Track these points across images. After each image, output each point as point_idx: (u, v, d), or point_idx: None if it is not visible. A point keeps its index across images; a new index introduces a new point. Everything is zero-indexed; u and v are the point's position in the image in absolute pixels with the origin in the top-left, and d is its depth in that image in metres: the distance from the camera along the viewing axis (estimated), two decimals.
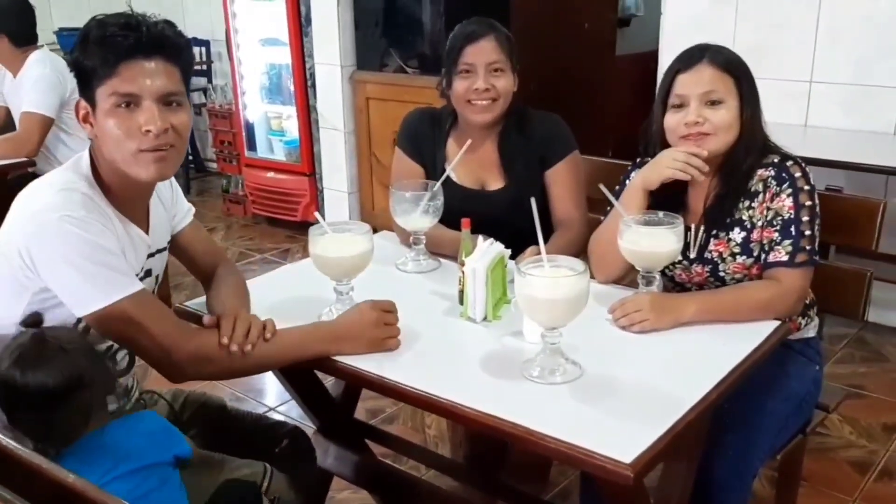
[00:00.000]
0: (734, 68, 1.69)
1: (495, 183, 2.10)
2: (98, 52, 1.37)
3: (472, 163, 2.09)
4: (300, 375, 1.99)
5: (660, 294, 1.67)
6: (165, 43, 1.41)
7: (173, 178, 1.61)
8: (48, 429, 1.35)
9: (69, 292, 1.37)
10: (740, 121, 1.68)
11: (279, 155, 4.82)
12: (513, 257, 1.71)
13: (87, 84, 1.41)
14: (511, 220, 1.96)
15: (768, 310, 1.61)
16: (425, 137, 2.14)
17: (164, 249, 1.65)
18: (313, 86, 4.53)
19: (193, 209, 1.75)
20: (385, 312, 1.54)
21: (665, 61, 3.52)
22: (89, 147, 1.50)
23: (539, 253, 1.45)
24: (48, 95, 3.18)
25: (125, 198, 1.49)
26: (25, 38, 3.28)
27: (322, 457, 2.02)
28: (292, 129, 4.72)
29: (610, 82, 4.91)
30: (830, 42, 3.19)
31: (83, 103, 1.43)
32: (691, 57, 1.70)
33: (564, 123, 2.13)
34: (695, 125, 1.67)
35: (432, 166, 2.08)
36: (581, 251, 1.97)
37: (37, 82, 3.18)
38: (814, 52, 3.23)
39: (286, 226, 4.78)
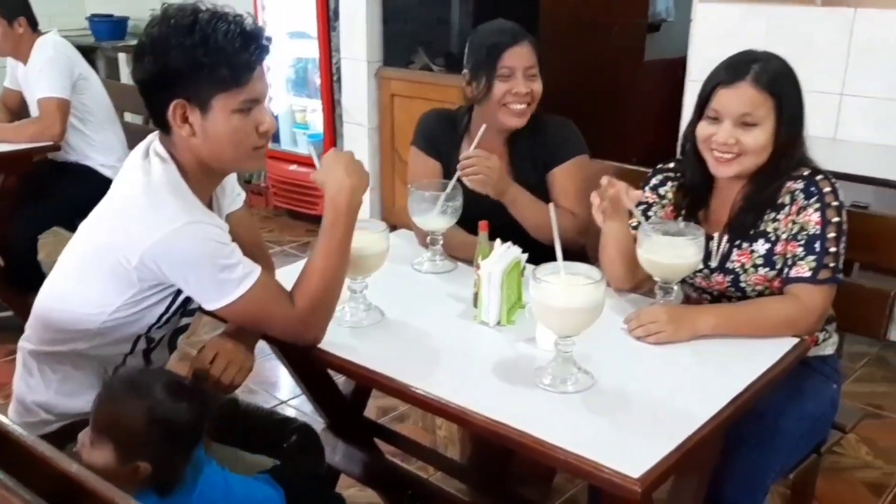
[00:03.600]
0: (778, 88, 1.62)
1: None
2: (228, 65, 1.41)
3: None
4: (312, 372, 1.99)
5: (678, 306, 1.65)
6: (268, 47, 1.49)
7: None
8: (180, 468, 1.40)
9: (202, 291, 1.47)
10: (775, 142, 1.64)
11: (302, 148, 4.82)
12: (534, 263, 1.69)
13: (197, 87, 1.43)
14: (518, 225, 1.95)
15: (788, 327, 1.58)
16: (442, 138, 2.14)
17: None
18: (339, 80, 4.53)
19: (244, 195, 1.76)
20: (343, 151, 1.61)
21: (693, 68, 3.51)
22: (160, 140, 1.52)
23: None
24: (60, 78, 3.17)
25: (200, 185, 1.53)
26: (36, 21, 3.28)
27: (330, 454, 2.01)
28: (317, 122, 4.72)
29: (637, 88, 4.87)
30: (863, 55, 3.14)
31: (183, 103, 1.44)
32: (736, 72, 1.63)
33: (575, 128, 2.12)
34: (723, 145, 1.64)
35: (448, 166, 2.07)
36: (576, 242, 1.97)
37: (44, 67, 3.16)
38: (846, 64, 3.18)
39: (307, 219, 4.79)
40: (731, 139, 1.63)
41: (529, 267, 1.62)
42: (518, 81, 1.99)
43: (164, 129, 1.50)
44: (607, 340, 1.54)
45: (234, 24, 1.43)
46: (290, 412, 2.75)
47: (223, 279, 1.45)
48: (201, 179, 1.53)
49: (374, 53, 4.34)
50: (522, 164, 2.08)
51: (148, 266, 1.43)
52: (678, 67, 3.73)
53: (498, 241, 1.69)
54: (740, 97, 1.62)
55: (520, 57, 1.99)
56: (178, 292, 1.51)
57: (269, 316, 1.51)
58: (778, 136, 1.63)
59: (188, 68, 1.41)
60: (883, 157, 3.03)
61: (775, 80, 1.63)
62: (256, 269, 1.48)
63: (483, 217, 1.79)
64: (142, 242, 1.42)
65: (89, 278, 1.51)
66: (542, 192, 2.04)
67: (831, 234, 1.61)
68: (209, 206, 1.58)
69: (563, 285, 1.36)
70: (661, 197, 1.81)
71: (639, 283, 1.76)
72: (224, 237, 1.47)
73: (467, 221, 1.90)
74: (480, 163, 1.89)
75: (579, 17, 4.41)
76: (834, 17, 3.17)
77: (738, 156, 1.64)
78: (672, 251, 1.59)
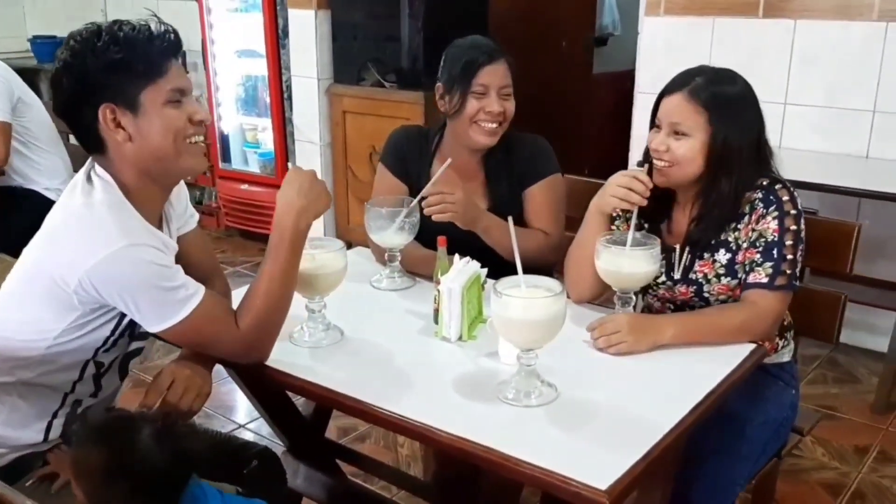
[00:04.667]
0: (714, 103, 1.63)
1: (480, 205, 2.06)
2: (144, 56, 1.42)
3: (457, 185, 2.05)
4: (270, 395, 1.95)
5: (638, 315, 1.66)
6: (180, 40, 1.49)
7: (183, 183, 1.66)
8: None
9: (143, 314, 1.43)
10: (707, 155, 1.65)
11: (254, 167, 4.78)
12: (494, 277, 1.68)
13: (120, 87, 1.41)
14: (477, 238, 1.95)
15: (745, 332, 1.60)
16: (412, 156, 2.10)
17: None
18: (289, 98, 4.50)
19: (197, 216, 1.72)
20: (305, 169, 1.57)
21: (642, 81, 3.56)
22: (97, 163, 1.48)
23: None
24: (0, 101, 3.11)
25: (147, 204, 1.50)
26: None
27: (292, 477, 1.98)
28: (267, 141, 4.68)
29: (587, 101, 4.93)
30: (804, 65, 3.23)
31: (111, 107, 1.42)
32: (678, 83, 1.67)
33: (548, 146, 2.11)
34: (655, 152, 1.67)
35: (417, 185, 2.04)
36: (550, 260, 1.99)
37: None
38: (788, 74, 3.27)
39: (260, 239, 4.73)
40: (662, 146, 1.66)
41: (490, 281, 1.61)
42: (492, 100, 1.97)
43: (99, 148, 1.47)
44: (569, 352, 1.54)
45: (139, 23, 1.44)
46: (248, 436, 2.70)
47: (164, 301, 1.42)
48: (146, 196, 1.50)
49: (325, 70, 4.33)
50: (498, 184, 2.07)
51: (86, 290, 1.40)
52: (626, 80, 3.78)
53: (457, 256, 1.69)
54: (673, 106, 1.66)
55: (495, 75, 1.97)
56: (124, 315, 1.47)
57: (212, 337, 1.49)
58: (711, 150, 1.64)
59: (106, 71, 1.40)
60: (827, 164, 3.11)
61: (714, 95, 1.64)
62: (200, 291, 1.45)
63: (441, 232, 1.78)
64: (79, 266, 1.38)
65: (29, 304, 1.47)
66: (516, 207, 2.04)
67: (789, 242, 1.63)
68: (159, 225, 1.55)
69: (524, 299, 1.36)
70: (625, 209, 1.82)
71: (600, 293, 1.77)
72: (165, 259, 1.44)
73: (425, 237, 1.89)
74: (443, 199, 1.84)
75: (528, 32, 4.45)
76: (776, 28, 3.25)
77: (671, 165, 1.66)
78: (629, 262, 1.60)
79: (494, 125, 1.98)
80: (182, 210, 1.67)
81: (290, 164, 1.68)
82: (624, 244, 1.62)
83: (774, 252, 1.63)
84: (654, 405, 1.38)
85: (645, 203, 1.67)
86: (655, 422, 1.31)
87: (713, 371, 1.48)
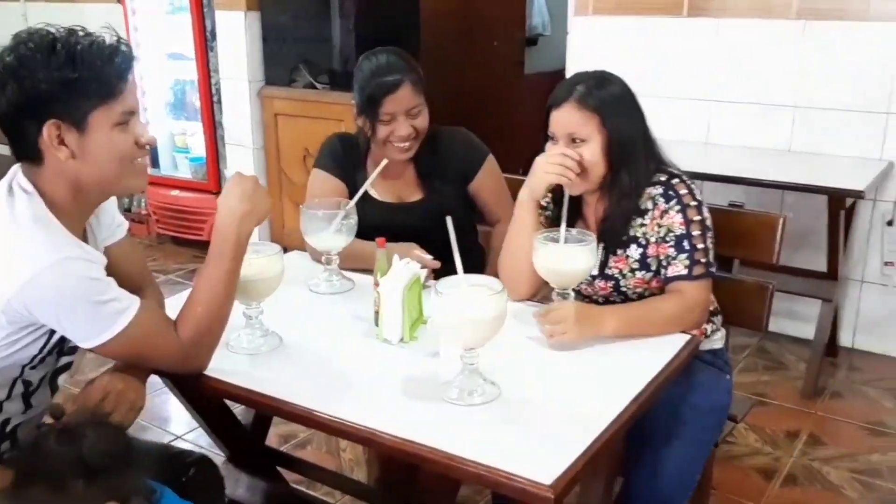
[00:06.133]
0: (601, 105, 1.69)
1: (413, 196, 2.14)
2: (100, 77, 1.36)
3: (390, 182, 2.13)
4: (208, 404, 1.92)
5: (585, 305, 1.69)
6: (133, 57, 1.45)
7: None
8: None
9: (77, 330, 1.39)
10: (608, 154, 1.70)
11: (184, 172, 4.69)
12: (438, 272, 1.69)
13: (70, 106, 1.35)
14: (431, 231, 1.95)
15: (677, 323, 1.65)
16: (347, 160, 2.15)
17: None
18: (219, 102, 4.42)
19: (127, 224, 1.67)
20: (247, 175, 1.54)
21: None
22: (24, 173, 1.42)
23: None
24: None
25: (72, 217, 1.44)
26: None
27: (232, 487, 1.95)
28: (198, 145, 4.60)
29: (519, 100, 4.97)
30: (728, 62, 3.32)
31: (57, 124, 1.35)
32: (562, 94, 1.72)
33: (471, 134, 2.20)
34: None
35: (353, 188, 2.06)
36: None
37: None
38: (713, 71, 3.35)
39: (192, 245, 4.64)
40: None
41: (431, 282, 1.62)
42: (399, 124, 2.01)
43: (33, 158, 1.40)
44: (511, 350, 1.55)
45: (95, 37, 1.38)
46: (186, 447, 2.64)
47: (98, 316, 1.37)
48: (73, 210, 1.44)
49: (255, 73, 4.27)
50: (431, 181, 2.13)
51: (16, 309, 1.34)
52: (557, 80, 3.80)
53: (396, 257, 1.68)
54: (565, 117, 1.71)
55: (399, 103, 2.00)
56: (54, 331, 1.42)
57: (151, 349, 1.45)
58: (609, 148, 1.70)
59: (58, 88, 1.34)
60: (752, 158, 3.20)
61: (599, 98, 1.70)
62: (135, 303, 1.41)
63: (385, 227, 1.80)
64: (8, 286, 1.32)
65: None
66: (456, 202, 2.11)
67: (696, 232, 1.69)
68: (83, 237, 1.49)
69: (465, 297, 1.36)
70: (543, 209, 1.86)
71: (538, 290, 1.79)
72: (97, 272, 1.40)
73: (369, 235, 1.88)
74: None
75: (460, 32, 4.47)
76: (700, 26, 3.33)
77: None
78: (568, 258, 1.62)
79: (406, 144, 2.04)
80: (109, 220, 1.61)
81: (225, 171, 1.65)
82: (558, 241, 1.64)
83: (685, 244, 1.68)
84: (595, 399, 1.41)
85: (578, 183, 1.70)
86: (597, 415, 1.33)
87: (650, 363, 1.51)
